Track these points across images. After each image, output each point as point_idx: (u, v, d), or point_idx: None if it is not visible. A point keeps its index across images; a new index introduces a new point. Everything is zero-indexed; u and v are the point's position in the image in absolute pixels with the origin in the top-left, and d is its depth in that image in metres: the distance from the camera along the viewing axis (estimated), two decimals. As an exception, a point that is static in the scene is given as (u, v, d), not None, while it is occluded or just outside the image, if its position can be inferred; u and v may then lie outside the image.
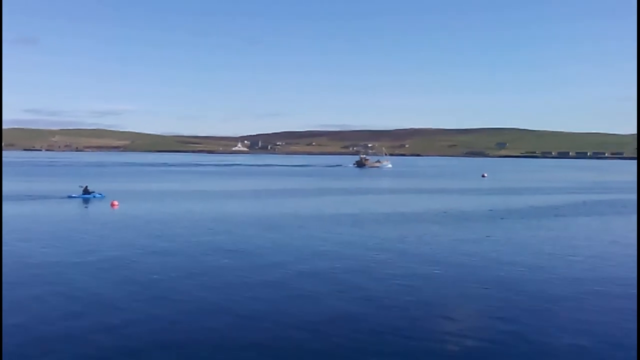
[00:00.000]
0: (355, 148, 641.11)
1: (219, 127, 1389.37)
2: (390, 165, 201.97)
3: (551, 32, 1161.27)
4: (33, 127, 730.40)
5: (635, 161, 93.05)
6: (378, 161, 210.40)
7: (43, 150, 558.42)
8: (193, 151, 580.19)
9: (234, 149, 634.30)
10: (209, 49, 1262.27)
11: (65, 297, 23.36)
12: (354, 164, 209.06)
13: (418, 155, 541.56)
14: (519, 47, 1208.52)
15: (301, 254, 33.38)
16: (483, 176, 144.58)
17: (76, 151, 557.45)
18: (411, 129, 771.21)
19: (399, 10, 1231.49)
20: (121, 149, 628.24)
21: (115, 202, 59.69)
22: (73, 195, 67.02)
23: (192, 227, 44.52)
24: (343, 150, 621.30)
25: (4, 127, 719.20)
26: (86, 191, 67.46)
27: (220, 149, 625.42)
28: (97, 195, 67.16)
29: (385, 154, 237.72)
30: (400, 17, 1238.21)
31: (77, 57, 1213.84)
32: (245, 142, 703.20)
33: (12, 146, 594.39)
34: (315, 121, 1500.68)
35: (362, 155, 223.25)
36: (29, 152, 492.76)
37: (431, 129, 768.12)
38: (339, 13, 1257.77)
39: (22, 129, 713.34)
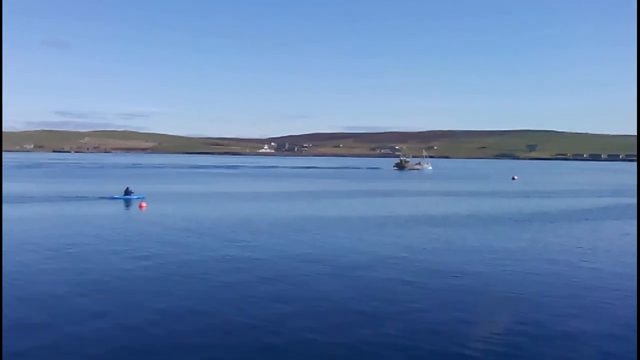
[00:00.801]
0: (382, 150, 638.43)
1: (246, 129, 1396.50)
2: (430, 168, 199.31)
3: (583, 33, 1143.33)
4: (62, 129, 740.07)
5: None
6: (418, 163, 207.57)
7: (72, 152, 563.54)
8: (219, 153, 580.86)
9: (260, 150, 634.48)
10: (236, 51, 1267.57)
11: (72, 314, 20.88)
12: (394, 167, 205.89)
13: (447, 157, 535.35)
14: (549, 48, 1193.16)
15: (343, 261, 30.90)
16: (513, 179, 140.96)
17: (104, 153, 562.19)
18: (439, 130, 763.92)
19: (429, 13, 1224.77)
20: (148, 150, 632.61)
21: (144, 204, 59.20)
22: (115, 197, 67.59)
23: (221, 231, 41.86)
24: (371, 153, 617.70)
25: (34, 128, 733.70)
26: (127, 192, 67.74)
27: (247, 150, 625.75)
28: (138, 197, 66.89)
29: (425, 156, 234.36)
30: (429, 21, 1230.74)
31: (105, 60, 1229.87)
32: (272, 143, 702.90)
33: (42, 148, 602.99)
34: (342, 123, 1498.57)
35: (402, 158, 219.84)
36: (59, 153, 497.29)
37: (460, 130, 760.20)
38: (367, 15, 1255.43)
39: (52, 130, 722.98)
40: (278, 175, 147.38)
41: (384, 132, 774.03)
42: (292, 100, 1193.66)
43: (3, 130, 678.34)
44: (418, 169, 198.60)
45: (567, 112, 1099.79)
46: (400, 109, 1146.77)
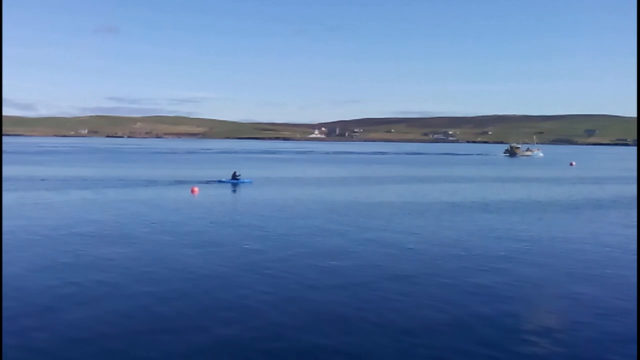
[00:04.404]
0: (435, 135, 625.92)
1: (296, 114, 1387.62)
2: (541, 155, 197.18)
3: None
4: (115, 115, 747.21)
5: None
6: (528, 149, 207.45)
7: (125, 137, 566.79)
8: (270, 138, 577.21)
9: (311, 136, 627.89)
10: (288, 36, 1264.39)
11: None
12: (505, 153, 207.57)
13: (502, 142, 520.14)
14: (606, 32, 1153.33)
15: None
16: (571, 164, 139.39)
17: (156, 138, 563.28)
18: (494, 115, 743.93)
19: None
20: (199, 135, 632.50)
21: (196, 189, 59.46)
22: (223, 180, 70.23)
23: (283, 218, 41.25)
24: (424, 138, 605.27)
25: (89, 114, 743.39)
26: (234, 177, 69.99)
27: (297, 136, 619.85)
28: (245, 181, 69.98)
29: (536, 143, 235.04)
30: (481, 4, 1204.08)
31: (157, 46, 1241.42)
32: (323, 129, 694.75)
33: (95, 133, 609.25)
34: (393, 108, 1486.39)
35: (512, 144, 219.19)
36: (112, 139, 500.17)
37: (515, 115, 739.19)
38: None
39: (105, 116, 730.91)
40: (384, 163, 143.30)
41: (436, 117, 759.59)
42: (343, 85, 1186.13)
43: (59, 115, 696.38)
44: (529, 155, 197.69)
45: (627, 95, 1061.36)
46: (454, 93, 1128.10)
